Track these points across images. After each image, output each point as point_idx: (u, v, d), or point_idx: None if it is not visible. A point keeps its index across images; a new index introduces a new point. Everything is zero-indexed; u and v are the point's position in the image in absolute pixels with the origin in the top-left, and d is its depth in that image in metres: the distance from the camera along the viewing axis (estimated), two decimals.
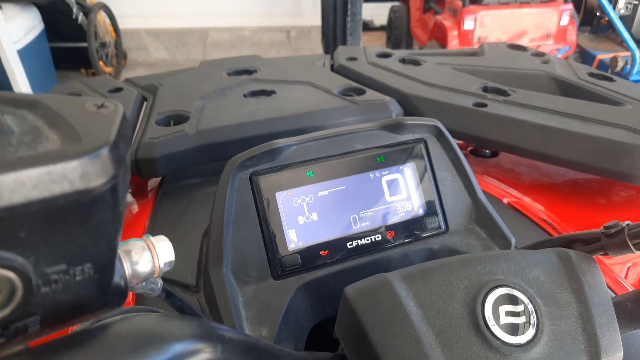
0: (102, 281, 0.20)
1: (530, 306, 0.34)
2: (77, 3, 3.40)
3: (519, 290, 0.35)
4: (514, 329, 0.33)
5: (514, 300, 0.34)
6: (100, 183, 0.17)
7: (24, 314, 0.18)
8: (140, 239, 0.25)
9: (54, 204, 0.16)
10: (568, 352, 0.33)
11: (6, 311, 0.17)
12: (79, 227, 0.18)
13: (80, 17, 3.42)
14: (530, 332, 0.33)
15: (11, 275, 0.17)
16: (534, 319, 0.34)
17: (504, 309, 0.34)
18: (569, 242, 0.43)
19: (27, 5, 3.16)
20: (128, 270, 0.23)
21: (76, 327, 0.25)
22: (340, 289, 0.53)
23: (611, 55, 2.79)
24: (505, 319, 0.33)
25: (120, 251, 0.23)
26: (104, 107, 0.19)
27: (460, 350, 0.32)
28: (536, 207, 0.73)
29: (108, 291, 0.21)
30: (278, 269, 0.51)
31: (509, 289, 0.35)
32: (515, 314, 0.34)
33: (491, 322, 0.33)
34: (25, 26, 3.05)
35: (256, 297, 0.49)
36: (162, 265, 0.24)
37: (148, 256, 0.24)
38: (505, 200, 0.73)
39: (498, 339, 0.33)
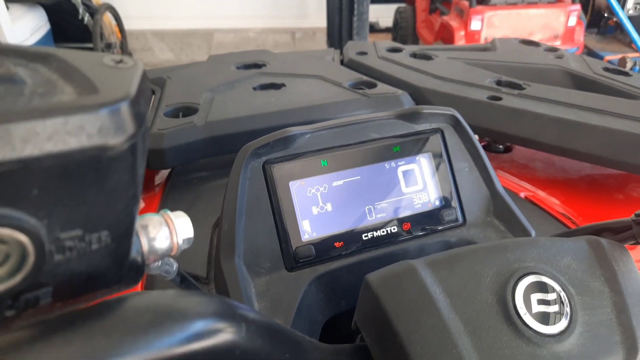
0: (119, 252, 0.18)
1: (562, 294, 0.32)
2: (83, 4, 3.41)
3: (551, 278, 0.33)
4: (546, 318, 0.31)
5: (545, 289, 0.32)
6: (120, 140, 0.16)
7: (35, 284, 0.16)
8: (157, 213, 0.23)
9: (70, 159, 0.15)
10: (603, 343, 0.32)
11: (17, 279, 0.16)
12: (96, 187, 0.16)
13: (86, 17, 3.43)
14: (563, 322, 0.32)
15: (22, 238, 0.15)
16: (567, 308, 0.32)
17: (535, 297, 0.32)
18: (597, 231, 0.41)
19: (33, 5, 3.17)
20: (145, 246, 0.21)
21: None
22: (355, 281, 0.52)
23: (619, 56, 2.77)
24: (537, 308, 0.32)
25: (137, 225, 0.22)
26: (123, 62, 0.18)
27: (490, 340, 0.31)
28: (553, 202, 0.71)
29: (125, 265, 0.19)
30: (292, 261, 0.49)
31: (540, 276, 0.33)
32: (548, 303, 0.32)
33: (522, 310, 0.31)
34: (32, 26, 3.06)
35: (269, 289, 0.47)
36: (180, 242, 0.23)
37: (166, 232, 0.22)
38: (522, 195, 0.71)
39: (530, 328, 0.31)
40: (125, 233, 0.18)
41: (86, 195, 0.16)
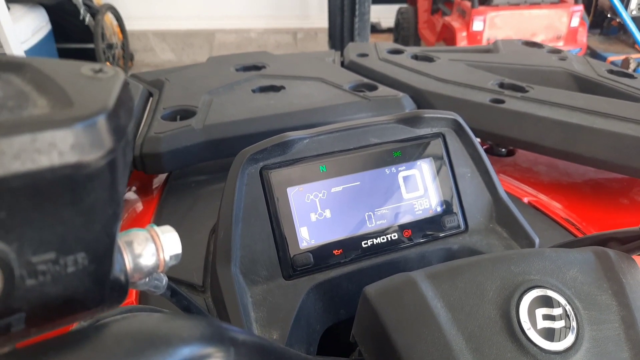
0: (99, 273, 0.17)
1: (568, 309, 0.31)
2: (85, 4, 3.40)
3: (556, 292, 0.32)
4: (551, 334, 0.30)
5: (551, 303, 0.31)
6: (96, 157, 0.15)
7: (6, 310, 0.15)
8: (143, 229, 0.22)
9: (40, 178, 0.14)
10: None
11: None
12: (71, 208, 0.15)
13: (88, 18, 3.42)
14: (569, 338, 0.30)
15: None
16: (573, 323, 0.31)
17: (540, 312, 0.31)
18: (603, 241, 0.40)
19: (34, 6, 3.17)
20: (129, 264, 0.20)
21: (71, 328, 0.23)
22: (354, 290, 0.51)
23: (623, 57, 2.75)
24: (542, 323, 0.30)
25: (121, 242, 0.21)
26: (102, 72, 0.17)
27: (494, 357, 0.29)
28: (557, 207, 0.70)
29: (106, 286, 0.18)
30: (289, 269, 0.48)
31: (545, 290, 0.32)
32: (553, 318, 0.31)
33: (527, 326, 0.30)
34: (33, 27, 3.06)
35: (266, 298, 0.46)
36: (167, 258, 0.22)
37: (152, 248, 0.21)
38: (525, 200, 0.70)
39: (535, 344, 0.30)
40: (104, 253, 0.17)
41: (60, 217, 0.15)
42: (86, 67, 0.17)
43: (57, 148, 0.14)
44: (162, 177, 0.77)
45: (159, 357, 0.17)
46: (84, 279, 0.17)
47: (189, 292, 0.51)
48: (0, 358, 0.16)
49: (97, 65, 0.17)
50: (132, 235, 0.21)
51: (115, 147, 0.15)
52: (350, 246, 0.50)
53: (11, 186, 0.13)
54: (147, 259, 0.21)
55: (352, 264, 0.50)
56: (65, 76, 0.16)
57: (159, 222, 0.65)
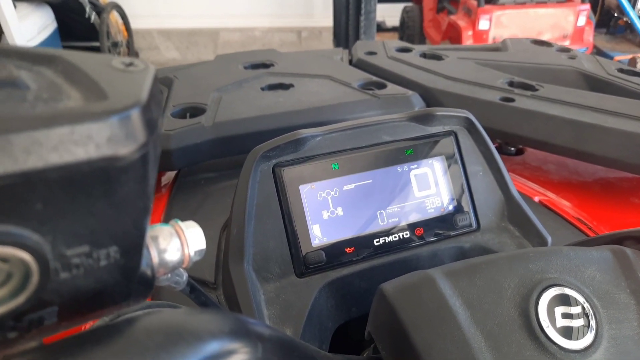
0: (129, 267, 0.17)
1: (587, 307, 0.31)
2: (90, 2, 3.41)
3: (575, 290, 0.31)
4: (570, 333, 0.30)
5: (570, 301, 0.31)
6: (130, 150, 0.15)
7: (39, 303, 0.15)
8: (167, 224, 0.22)
9: (76, 171, 0.14)
10: (631, 359, 0.30)
11: (19, 300, 0.15)
12: (105, 201, 0.15)
13: (93, 16, 3.43)
14: (589, 337, 0.30)
15: (25, 256, 0.14)
16: (592, 321, 0.31)
17: (559, 310, 0.31)
18: (619, 240, 0.40)
19: (40, 4, 3.18)
20: (155, 259, 0.20)
21: (94, 323, 0.23)
22: (366, 288, 0.51)
23: (629, 56, 2.74)
24: (561, 322, 0.30)
25: (147, 237, 0.20)
26: (133, 65, 0.17)
27: (513, 355, 0.29)
28: (567, 206, 0.70)
29: (134, 279, 0.18)
30: (302, 266, 0.48)
31: (563, 288, 0.31)
32: (572, 316, 0.31)
33: (546, 324, 0.30)
34: (39, 25, 3.07)
35: (279, 296, 0.46)
36: (192, 254, 0.22)
37: (177, 243, 0.21)
38: (535, 199, 0.69)
39: (554, 343, 0.29)
40: (135, 247, 0.17)
41: (94, 209, 0.15)
42: (117, 60, 0.17)
43: (94, 140, 0.14)
44: (171, 174, 0.77)
45: (189, 351, 0.17)
46: (114, 272, 0.17)
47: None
48: (31, 353, 0.16)
49: (127, 59, 0.17)
50: (157, 230, 0.21)
51: (148, 140, 0.15)
52: (362, 244, 0.50)
53: (48, 178, 0.13)
54: (172, 254, 0.21)
55: (364, 262, 0.50)
56: (97, 69, 0.16)
57: (169, 219, 0.65)
